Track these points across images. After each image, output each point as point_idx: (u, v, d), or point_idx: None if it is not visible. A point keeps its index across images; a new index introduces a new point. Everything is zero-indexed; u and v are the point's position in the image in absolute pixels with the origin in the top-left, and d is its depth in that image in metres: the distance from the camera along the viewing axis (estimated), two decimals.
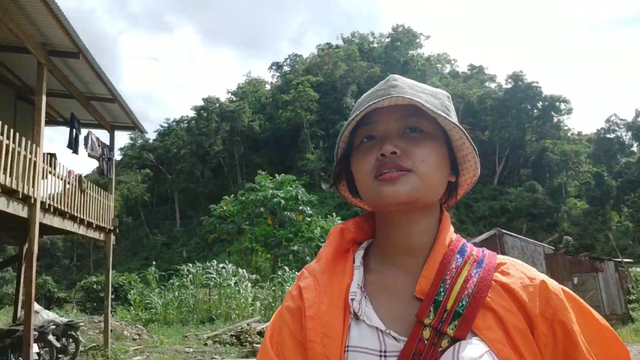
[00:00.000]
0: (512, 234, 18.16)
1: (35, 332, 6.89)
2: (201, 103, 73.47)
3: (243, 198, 24.80)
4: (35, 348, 6.65)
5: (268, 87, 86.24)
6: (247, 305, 16.02)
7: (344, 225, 0.82)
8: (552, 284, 0.71)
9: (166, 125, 78.91)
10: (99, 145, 8.59)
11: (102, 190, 9.09)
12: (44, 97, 6.60)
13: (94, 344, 9.78)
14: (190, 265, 17.67)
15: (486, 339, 0.65)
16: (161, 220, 68.85)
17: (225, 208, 24.73)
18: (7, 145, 5.67)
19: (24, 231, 8.70)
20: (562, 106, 58.35)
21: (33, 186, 6.24)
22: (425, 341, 0.66)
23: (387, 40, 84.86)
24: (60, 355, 8.15)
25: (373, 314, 0.71)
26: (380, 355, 0.68)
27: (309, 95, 65.56)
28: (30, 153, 6.20)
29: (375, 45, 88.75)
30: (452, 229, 0.78)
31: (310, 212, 23.24)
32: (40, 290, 20.28)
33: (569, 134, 62.40)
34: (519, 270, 0.72)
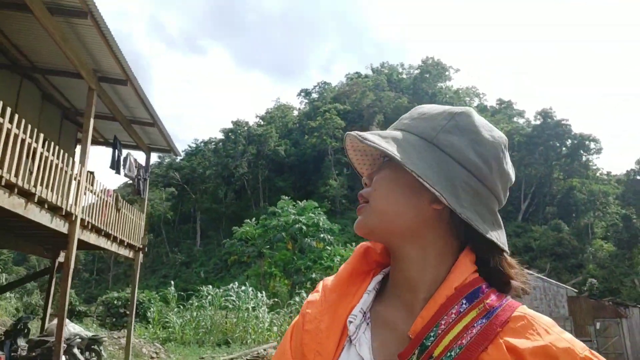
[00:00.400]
0: (534, 273, 17.84)
1: (63, 345, 7.13)
2: (230, 126, 74.95)
3: (265, 222, 25.06)
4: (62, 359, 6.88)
5: (296, 112, 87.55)
6: (263, 330, 16.07)
7: (371, 245, 0.78)
8: (574, 348, 0.60)
9: (194, 145, 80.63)
10: (136, 167, 9.00)
11: (134, 209, 9.45)
12: (91, 120, 7.03)
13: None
14: (210, 286, 17.86)
15: None
16: (182, 239, 69.54)
17: (247, 230, 25.00)
18: (55, 163, 6.05)
19: (58, 245, 9.09)
20: (592, 145, 57.57)
21: (75, 203, 6.59)
22: None
23: (416, 71, 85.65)
24: None
25: (366, 342, 0.68)
26: None
27: (335, 122, 66.30)
28: (75, 171, 6.58)
29: (404, 76, 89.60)
30: (469, 271, 0.68)
31: (330, 239, 23.31)
32: (33, 301, 20.75)
33: (597, 174, 61.28)
34: (536, 330, 0.62)
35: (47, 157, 5.75)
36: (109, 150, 9.97)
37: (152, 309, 17.72)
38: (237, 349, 13.88)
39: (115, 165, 8.31)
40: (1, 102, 4.92)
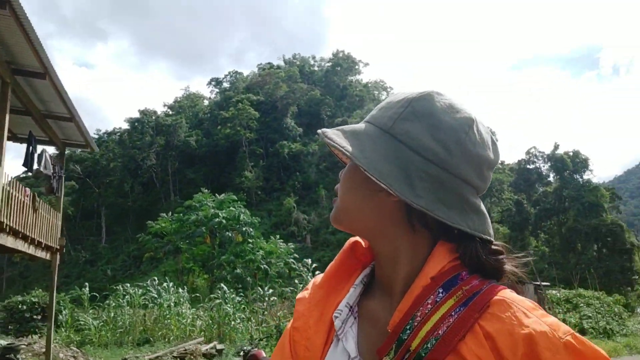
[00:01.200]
0: None
1: None
2: (136, 115, 71.27)
3: (182, 216, 24.48)
4: None
5: (206, 102, 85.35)
6: (186, 326, 15.82)
7: (358, 239, 0.78)
8: (555, 332, 0.58)
9: (97, 136, 75.54)
10: (52, 164, 8.46)
11: (50, 208, 8.91)
12: (7, 116, 6.54)
13: None
14: (128, 285, 17.21)
15: None
16: (85, 237, 65.36)
17: (163, 225, 24.24)
18: None
19: None
20: None
21: None
22: None
23: (328, 64, 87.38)
24: None
25: (352, 337, 0.68)
26: None
27: (249, 113, 65.82)
28: None
29: (316, 68, 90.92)
30: (445, 260, 0.66)
31: (251, 233, 23.39)
32: None
33: None
34: (514, 314, 0.59)
35: None
36: (15, 145, 9.32)
37: (63, 312, 16.64)
38: (161, 347, 13.59)
39: (28, 163, 7.74)
40: None
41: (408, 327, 0.62)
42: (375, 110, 0.74)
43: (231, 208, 24.03)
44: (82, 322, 15.73)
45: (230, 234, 23.31)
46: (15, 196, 7.04)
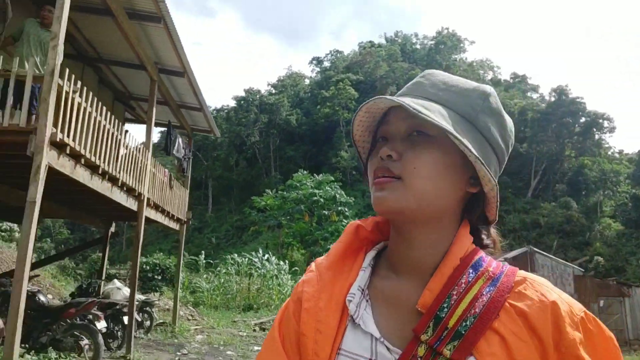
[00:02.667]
0: (543, 252, 18.70)
1: (124, 307, 8.12)
2: (242, 93, 75.09)
3: (284, 194, 25.94)
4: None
5: (307, 81, 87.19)
6: (286, 296, 17.19)
7: (361, 223, 0.78)
8: (573, 309, 0.63)
9: None
10: (183, 147, 9.83)
11: (181, 185, 10.34)
12: (154, 109, 7.82)
13: (160, 321, 11.05)
14: (236, 255, 18.95)
15: None
16: (194, 205, 70.72)
17: (266, 202, 25.94)
18: (133, 153, 6.89)
19: (111, 217, 10.03)
20: (605, 124, 57.41)
21: (143, 185, 7.46)
22: (419, 359, 0.62)
23: (431, 42, 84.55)
24: (138, 329, 9.41)
25: (370, 319, 0.68)
26: None
27: (348, 93, 66.21)
28: (147, 159, 7.44)
29: (418, 47, 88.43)
30: (469, 241, 0.70)
31: (347, 212, 24.20)
32: (94, 266, 21.93)
33: (609, 153, 61.28)
34: (538, 292, 0.64)
35: (128, 148, 6.60)
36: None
37: (181, 275, 18.89)
38: (264, 314, 15.00)
39: (168, 148, 9.15)
40: (104, 108, 5.73)
41: (445, 305, 0.63)
42: (436, 90, 0.70)
43: (327, 188, 24.97)
44: (197, 285, 17.76)
45: (327, 213, 24.31)
46: (157, 176, 8.38)
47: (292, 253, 25.21)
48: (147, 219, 8.30)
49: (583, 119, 57.77)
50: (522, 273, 0.68)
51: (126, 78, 9.31)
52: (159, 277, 20.21)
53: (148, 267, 21.65)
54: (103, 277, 10.46)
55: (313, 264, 0.77)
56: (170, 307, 13.80)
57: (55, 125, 4.58)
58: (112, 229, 10.46)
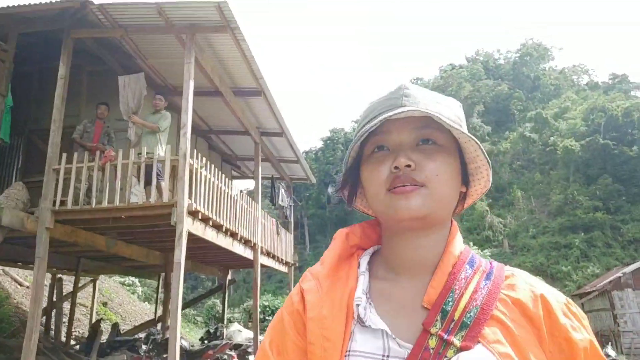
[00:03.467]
0: None
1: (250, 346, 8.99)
2: (327, 134, 77.51)
3: None
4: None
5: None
6: None
7: (350, 230, 0.83)
8: (558, 297, 0.71)
9: None
10: (287, 197, 10.85)
11: (286, 231, 11.29)
12: (259, 167, 8.88)
13: None
14: None
15: (494, 351, 0.65)
16: (294, 245, 72.68)
17: None
18: (247, 209, 7.89)
19: (227, 266, 11.14)
20: None
21: (256, 236, 8.42)
22: (431, 350, 0.66)
23: (516, 56, 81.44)
24: None
25: (378, 318, 0.70)
26: None
27: None
28: (258, 213, 8.45)
29: (502, 62, 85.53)
30: (461, 239, 0.78)
31: None
32: (210, 312, 23.69)
33: None
34: (527, 283, 0.72)
35: (242, 205, 7.61)
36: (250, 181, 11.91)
37: None
38: None
39: (274, 200, 10.21)
40: (221, 173, 6.79)
41: (450, 299, 0.69)
42: (431, 103, 0.73)
43: None
44: None
45: None
46: (266, 226, 9.35)
47: None
48: (261, 265, 9.23)
49: None
50: (509, 268, 0.76)
51: (231, 142, 10.60)
52: (269, 318, 21.37)
53: (261, 309, 23.04)
54: (225, 322, 11.53)
55: (308, 274, 0.80)
56: None
57: (190, 196, 5.60)
58: (229, 277, 11.60)
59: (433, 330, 0.67)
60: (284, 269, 10.95)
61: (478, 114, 67.77)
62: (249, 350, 8.70)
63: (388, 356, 0.67)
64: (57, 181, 5.75)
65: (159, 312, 11.93)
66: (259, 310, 21.88)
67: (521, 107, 67.91)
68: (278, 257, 10.24)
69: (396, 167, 0.70)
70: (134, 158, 5.70)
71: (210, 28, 5.92)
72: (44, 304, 10.76)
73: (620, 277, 16.28)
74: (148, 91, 6.78)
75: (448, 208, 0.74)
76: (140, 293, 21.52)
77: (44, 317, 10.41)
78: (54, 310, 10.63)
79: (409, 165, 0.70)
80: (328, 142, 75.93)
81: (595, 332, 17.10)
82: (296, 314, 0.75)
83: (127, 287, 19.09)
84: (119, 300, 15.72)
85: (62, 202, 5.70)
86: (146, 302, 20.12)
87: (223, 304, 11.79)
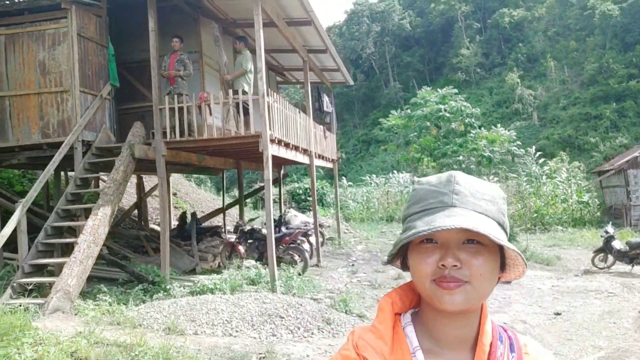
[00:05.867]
0: None
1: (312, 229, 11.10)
2: (351, 6, 74.19)
3: (409, 112, 27.48)
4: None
5: None
6: None
7: (392, 299, 0.90)
8: None
9: None
10: (330, 103, 12.27)
11: (331, 134, 12.91)
12: (309, 85, 10.21)
13: (328, 237, 14.24)
14: (374, 176, 21.63)
15: None
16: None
17: (393, 122, 27.82)
18: (304, 125, 9.45)
19: (280, 164, 13.02)
20: None
21: (310, 144, 10.07)
22: None
23: None
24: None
25: None
26: None
27: None
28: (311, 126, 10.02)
29: None
30: (489, 315, 0.89)
31: (473, 123, 25.08)
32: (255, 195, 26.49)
33: None
34: (539, 352, 0.89)
35: (300, 122, 9.16)
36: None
37: (330, 194, 22.37)
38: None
39: (321, 108, 11.70)
40: (290, 105, 8.23)
41: None
42: (478, 201, 0.82)
43: (452, 102, 25.87)
44: (344, 203, 21.02)
45: (454, 126, 25.49)
46: (317, 133, 10.95)
47: (424, 166, 27.18)
48: (316, 166, 11.04)
49: None
50: (520, 336, 0.91)
51: (280, 58, 11.78)
52: (309, 198, 23.98)
53: (301, 191, 25.66)
54: (284, 209, 13.76)
55: (367, 345, 0.84)
56: (328, 224, 17.11)
57: (271, 127, 7.16)
58: (282, 171, 13.55)
59: None
60: (330, 164, 12.79)
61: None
62: (309, 233, 10.79)
63: None
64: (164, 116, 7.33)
65: (227, 201, 14.24)
66: (299, 192, 24.27)
67: None
68: (326, 157, 11.99)
69: (443, 265, 0.79)
70: (223, 99, 7.19)
71: None
72: (135, 199, 13.12)
73: (637, 156, 17.47)
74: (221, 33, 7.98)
75: (486, 298, 0.84)
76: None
77: (136, 210, 12.80)
78: (141, 204, 12.93)
79: (455, 265, 0.78)
80: (352, 15, 73.00)
81: (609, 206, 18.85)
82: None
83: (188, 179, 21.55)
84: (185, 190, 18.20)
85: (164, 134, 7.36)
86: (207, 192, 22.82)
87: (280, 194, 13.91)
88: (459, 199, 0.81)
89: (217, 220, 14.14)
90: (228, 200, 14.74)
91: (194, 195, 18.57)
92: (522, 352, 0.86)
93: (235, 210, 15.28)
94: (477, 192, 0.83)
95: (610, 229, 10.03)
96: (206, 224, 12.93)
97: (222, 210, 13.57)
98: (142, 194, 12.72)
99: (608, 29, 44.48)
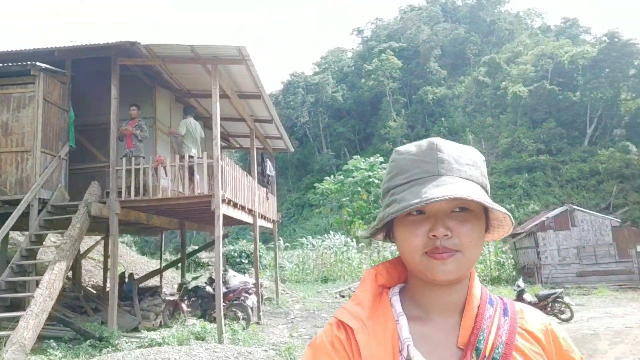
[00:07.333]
0: (582, 209, 20.70)
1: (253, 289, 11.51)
2: (288, 78, 77.74)
3: (342, 178, 29.08)
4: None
5: (350, 54, 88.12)
6: (354, 268, 20.53)
7: (377, 271, 0.91)
8: (560, 328, 0.87)
9: None
10: (273, 167, 13.22)
11: (272, 196, 13.69)
12: (254, 149, 11.10)
13: (266, 296, 14.56)
14: (310, 237, 22.40)
15: None
16: None
17: (328, 187, 29.21)
18: (248, 186, 10.18)
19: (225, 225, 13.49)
20: None
21: (254, 205, 10.77)
22: None
23: None
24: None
25: (422, 356, 0.79)
26: None
27: (392, 63, 66.75)
28: (255, 187, 10.77)
29: (460, 3, 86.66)
30: (478, 281, 0.88)
31: None
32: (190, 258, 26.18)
33: None
34: (536, 316, 0.87)
35: (247, 185, 9.90)
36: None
37: (267, 257, 22.67)
38: (341, 284, 18.36)
39: (264, 172, 12.57)
40: (239, 168, 9.00)
41: (481, 338, 0.80)
42: (461, 166, 0.82)
43: (379, 169, 27.84)
44: (281, 264, 21.41)
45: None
46: (261, 195, 11.71)
47: (355, 229, 28.42)
48: (254, 226, 11.67)
49: (637, 61, 56.07)
50: (517, 304, 0.90)
51: (227, 125, 12.68)
52: (246, 261, 24.08)
53: (236, 253, 25.68)
54: (223, 270, 14.03)
55: (346, 313, 0.85)
56: (265, 285, 17.41)
57: (222, 188, 7.84)
58: (224, 232, 13.98)
59: None
60: (270, 225, 13.46)
61: (435, 58, 69.62)
62: (250, 291, 11.20)
63: None
64: (118, 178, 7.82)
65: (164, 263, 14.30)
66: (234, 254, 24.29)
67: (476, 51, 70.09)
68: (268, 218, 12.68)
69: (434, 235, 0.78)
70: (177, 161, 7.84)
71: (230, 60, 7.89)
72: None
73: (544, 220, 19.69)
74: (173, 101, 8.75)
75: (475, 263, 0.85)
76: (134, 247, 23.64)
77: (71, 271, 12.57)
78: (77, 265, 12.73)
79: (446, 235, 0.78)
80: (289, 86, 76.39)
81: (522, 266, 20.71)
82: (338, 342, 0.83)
83: (123, 243, 21.16)
84: (119, 253, 17.87)
85: (118, 194, 7.82)
86: (143, 255, 22.36)
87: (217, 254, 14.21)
88: (444, 166, 0.81)
89: (151, 282, 14.13)
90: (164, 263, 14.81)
91: (128, 257, 18.29)
92: (517, 316, 0.86)
93: (169, 273, 15.20)
94: (461, 158, 0.83)
95: (521, 283, 11.16)
96: (141, 285, 12.90)
97: (159, 272, 13.65)
98: (78, 255, 12.57)
99: (519, 108, 50.00)
